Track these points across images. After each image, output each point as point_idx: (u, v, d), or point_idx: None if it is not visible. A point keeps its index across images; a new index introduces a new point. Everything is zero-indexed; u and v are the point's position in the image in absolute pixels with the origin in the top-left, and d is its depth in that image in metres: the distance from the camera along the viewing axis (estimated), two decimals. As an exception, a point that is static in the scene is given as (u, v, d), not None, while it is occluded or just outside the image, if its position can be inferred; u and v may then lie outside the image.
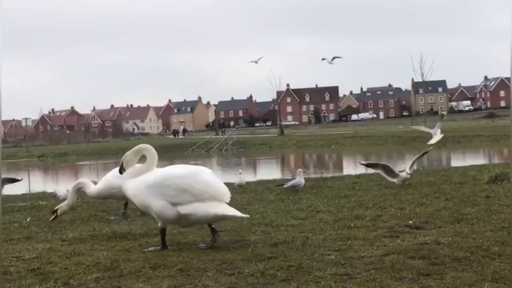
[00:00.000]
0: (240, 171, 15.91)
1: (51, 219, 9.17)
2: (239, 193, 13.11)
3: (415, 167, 15.72)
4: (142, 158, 7.50)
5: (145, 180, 7.11)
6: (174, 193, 6.96)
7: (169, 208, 6.98)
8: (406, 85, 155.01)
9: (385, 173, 13.34)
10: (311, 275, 5.58)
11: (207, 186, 7.05)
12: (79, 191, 9.80)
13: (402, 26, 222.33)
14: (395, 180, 13.12)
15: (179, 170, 7.22)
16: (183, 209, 6.98)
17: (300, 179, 13.12)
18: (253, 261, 6.18)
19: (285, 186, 13.09)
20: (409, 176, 13.07)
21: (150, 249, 7.12)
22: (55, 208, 9.10)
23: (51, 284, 5.62)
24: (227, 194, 7.17)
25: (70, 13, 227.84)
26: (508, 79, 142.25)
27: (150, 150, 7.40)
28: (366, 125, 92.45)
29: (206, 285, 5.43)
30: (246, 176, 17.18)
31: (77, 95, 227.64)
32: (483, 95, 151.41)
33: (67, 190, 10.67)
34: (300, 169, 13.84)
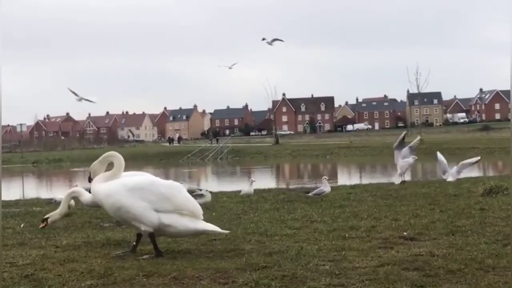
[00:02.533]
0: (253, 179, 14.98)
1: (40, 226, 8.94)
2: (234, 203, 13.09)
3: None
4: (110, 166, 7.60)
5: (125, 183, 7.19)
6: (156, 199, 7.06)
7: (151, 212, 7.06)
8: (402, 97, 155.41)
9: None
10: (305, 285, 5.58)
11: (188, 201, 7.24)
12: (74, 199, 9.77)
13: (398, 37, 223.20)
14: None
15: (161, 180, 7.47)
16: (165, 218, 7.07)
17: (324, 187, 12.86)
18: (247, 270, 6.17)
19: (309, 194, 12.99)
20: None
21: (144, 257, 7.11)
22: (46, 216, 8.92)
23: (45, 291, 5.60)
24: (201, 211, 7.35)
25: (66, 20, 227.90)
26: (503, 92, 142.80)
27: (117, 156, 7.55)
28: (361, 136, 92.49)
29: (200, 294, 5.42)
30: (241, 185, 17.06)
31: (72, 102, 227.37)
32: (478, 108, 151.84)
33: None
34: (325, 176, 13.61)
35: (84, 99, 16.40)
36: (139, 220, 7.10)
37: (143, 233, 7.20)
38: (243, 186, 15.62)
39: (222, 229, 7.48)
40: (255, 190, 14.65)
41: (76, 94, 16.37)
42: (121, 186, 7.16)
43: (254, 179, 15.03)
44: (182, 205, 7.13)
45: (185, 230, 7.17)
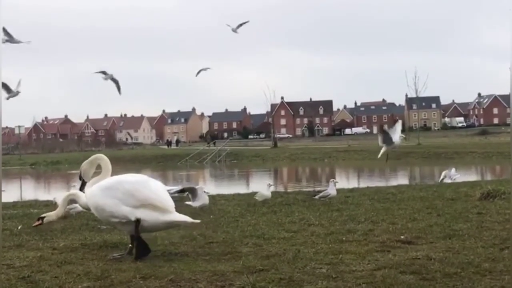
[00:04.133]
0: (270, 183, 14.14)
1: (34, 224, 8.81)
2: (232, 205, 13.10)
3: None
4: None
5: (100, 184, 7.51)
6: (122, 196, 7.26)
7: (121, 206, 7.25)
8: (400, 101, 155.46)
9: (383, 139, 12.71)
10: (302, 288, 5.58)
11: (151, 193, 7.34)
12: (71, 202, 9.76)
13: (397, 42, 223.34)
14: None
15: (130, 177, 7.63)
16: (137, 213, 7.21)
17: (330, 190, 12.82)
18: (244, 273, 6.17)
19: (315, 197, 12.93)
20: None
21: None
22: (42, 215, 8.93)
23: (41, 293, 5.60)
24: (171, 204, 7.41)
25: (65, 22, 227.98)
26: (501, 96, 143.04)
27: (104, 159, 7.82)
28: (360, 140, 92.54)
29: (197, 297, 5.42)
30: (239, 188, 17.05)
31: (71, 104, 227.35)
32: (476, 112, 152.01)
33: None
34: (333, 179, 13.53)
35: (112, 79, 15.77)
36: (115, 216, 7.32)
37: (135, 223, 7.32)
38: (239, 189, 15.61)
39: (219, 232, 7.50)
40: (253, 193, 14.63)
41: (104, 73, 15.76)
42: (96, 188, 7.48)
43: (271, 183, 14.34)
44: (147, 199, 7.25)
45: (157, 223, 7.30)
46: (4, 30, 14.52)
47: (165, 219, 7.30)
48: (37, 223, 8.65)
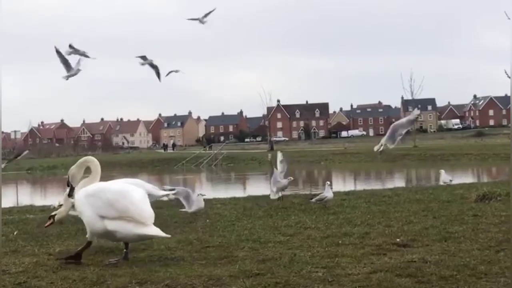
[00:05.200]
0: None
1: (46, 225, 9.07)
2: (228, 209, 13.09)
3: None
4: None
5: (85, 189, 7.45)
6: (101, 205, 7.21)
7: (97, 221, 7.21)
8: (396, 103, 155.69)
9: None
10: (298, 292, 5.58)
11: (131, 205, 7.22)
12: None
13: (392, 44, 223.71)
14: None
15: (115, 186, 7.56)
16: (110, 225, 7.16)
17: (326, 193, 12.65)
18: (240, 277, 6.17)
19: (312, 200, 12.88)
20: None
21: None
22: (52, 213, 9.01)
23: (37, 299, 5.59)
24: (150, 216, 7.32)
25: (60, 26, 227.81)
26: (497, 98, 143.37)
27: (93, 161, 7.73)
28: (356, 142, 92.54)
29: (192, 301, 5.41)
30: (236, 192, 17.01)
31: (66, 108, 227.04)
32: (472, 114, 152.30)
33: None
34: (328, 182, 13.32)
35: (151, 65, 15.24)
36: (87, 226, 7.34)
37: (89, 238, 7.41)
38: (237, 192, 15.57)
39: (215, 236, 7.50)
40: (249, 196, 14.58)
41: (144, 58, 15.21)
42: (82, 193, 7.42)
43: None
44: (125, 211, 7.16)
45: (131, 235, 7.23)
46: (70, 46, 14.18)
47: (137, 232, 7.18)
48: (48, 222, 8.79)
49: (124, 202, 7.20)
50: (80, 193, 7.46)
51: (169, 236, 7.44)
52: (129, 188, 7.55)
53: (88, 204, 7.26)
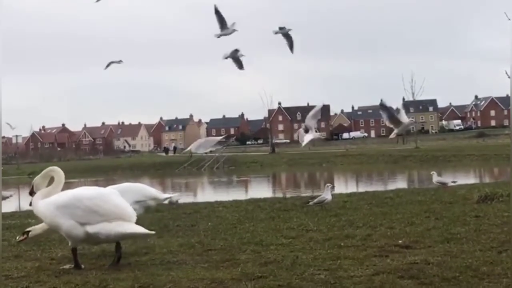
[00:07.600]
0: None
1: (19, 239, 8.48)
2: (230, 212, 13.08)
3: None
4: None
5: (55, 201, 7.33)
6: (83, 214, 7.16)
7: (77, 228, 7.17)
8: (397, 104, 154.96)
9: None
10: (301, 295, 5.57)
11: (114, 207, 7.26)
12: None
13: (393, 45, 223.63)
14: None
15: (89, 192, 7.49)
16: (91, 229, 7.15)
17: (325, 195, 12.60)
18: (242, 280, 6.17)
19: (310, 203, 12.83)
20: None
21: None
22: (27, 230, 8.39)
23: (40, 304, 5.59)
24: (133, 215, 7.36)
25: (62, 31, 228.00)
26: (498, 98, 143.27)
27: (57, 171, 7.72)
28: (358, 144, 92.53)
29: (195, 305, 5.41)
30: (237, 195, 16.99)
31: (68, 113, 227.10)
32: (473, 115, 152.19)
33: None
34: (329, 184, 13.28)
35: (286, 35, 14.89)
36: (68, 237, 7.29)
37: (72, 246, 7.34)
38: (239, 195, 15.56)
39: (218, 239, 7.48)
40: (251, 199, 14.56)
41: (282, 29, 14.80)
42: (51, 206, 7.31)
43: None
44: (109, 213, 7.18)
45: (114, 235, 7.21)
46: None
47: (119, 230, 7.18)
48: (22, 238, 8.27)
49: (106, 206, 7.21)
50: (47, 205, 7.32)
51: (153, 232, 7.45)
52: (104, 191, 7.60)
53: (63, 214, 7.17)
